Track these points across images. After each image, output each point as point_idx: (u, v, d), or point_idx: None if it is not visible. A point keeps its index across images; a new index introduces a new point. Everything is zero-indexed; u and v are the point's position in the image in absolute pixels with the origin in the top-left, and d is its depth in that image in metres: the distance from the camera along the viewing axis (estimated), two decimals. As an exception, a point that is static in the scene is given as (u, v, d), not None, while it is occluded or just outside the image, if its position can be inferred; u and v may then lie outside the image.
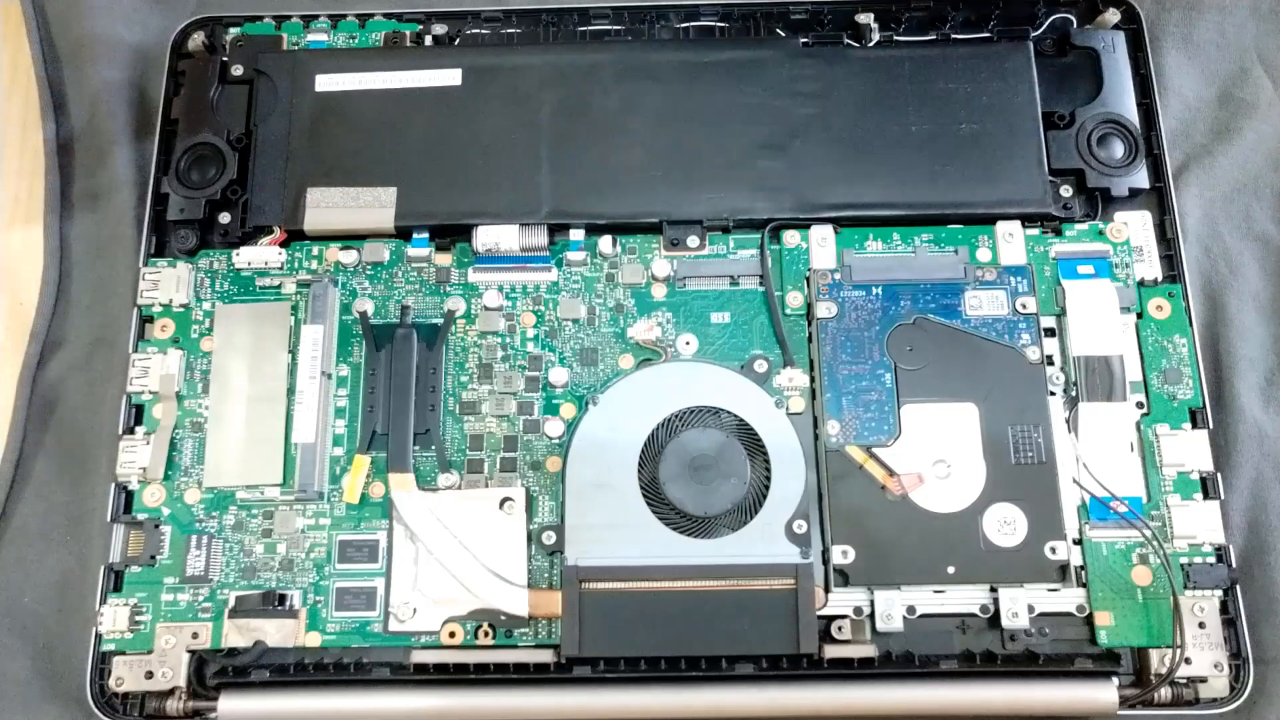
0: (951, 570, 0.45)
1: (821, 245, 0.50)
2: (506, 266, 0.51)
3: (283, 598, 0.47)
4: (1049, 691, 0.44)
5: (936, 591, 0.46)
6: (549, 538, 0.46)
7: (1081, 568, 0.46)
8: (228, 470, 0.48)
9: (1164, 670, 0.44)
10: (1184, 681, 0.45)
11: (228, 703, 0.45)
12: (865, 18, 0.54)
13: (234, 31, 0.55)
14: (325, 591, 0.47)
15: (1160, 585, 0.45)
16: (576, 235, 0.51)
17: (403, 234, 0.51)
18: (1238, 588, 0.46)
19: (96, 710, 0.46)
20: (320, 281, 0.50)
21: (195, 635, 0.46)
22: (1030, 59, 0.52)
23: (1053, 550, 0.45)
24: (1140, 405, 0.48)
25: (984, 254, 0.50)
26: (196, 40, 0.55)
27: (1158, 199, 0.51)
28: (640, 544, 0.46)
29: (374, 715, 0.45)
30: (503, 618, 0.46)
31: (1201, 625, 0.45)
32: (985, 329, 0.48)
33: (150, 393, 0.49)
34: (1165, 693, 0.45)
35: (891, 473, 0.47)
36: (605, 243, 0.51)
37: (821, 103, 0.52)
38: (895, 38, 0.54)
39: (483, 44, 0.55)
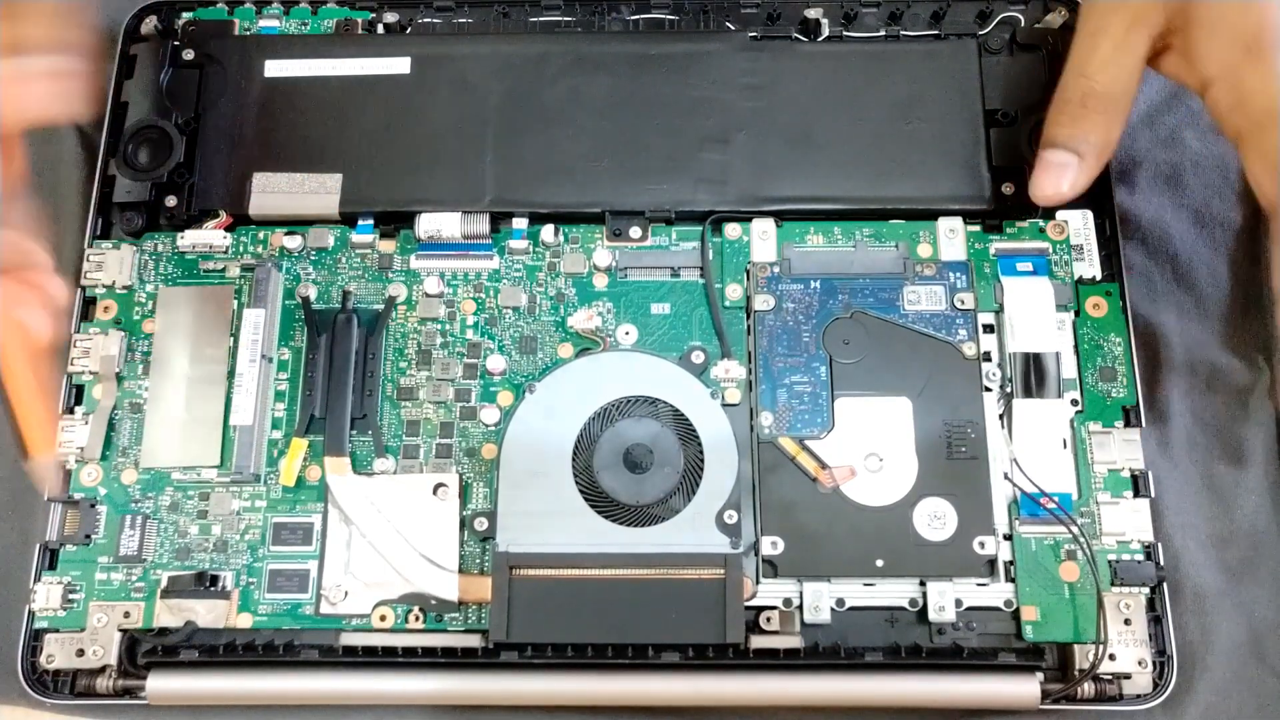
0: (880, 564, 0.46)
1: (763, 238, 0.50)
2: (448, 254, 0.51)
3: (215, 579, 0.47)
4: (973, 685, 0.44)
5: (866, 585, 0.46)
6: (481, 524, 0.47)
7: (1010, 563, 0.46)
8: (165, 451, 0.48)
9: (1086, 665, 0.44)
10: (1108, 678, 0.45)
11: (156, 681, 0.45)
12: (815, 12, 0.54)
13: (186, 16, 0.55)
14: (258, 573, 0.47)
15: (1087, 581, 0.46)
16: (519, 224, 0.51)
17: (348, 220, 0.51)
18: (1165, 585, 0.46)
19: (27, 687, 0.46)
20: (264, 266, 0.50)
21: (127, 614, 0.46)
22: (974, 57, 0.52)
23: (981, 545, 0.46)
24: (1075, 403, 0.48)
25: (925, 249, 0.50)
26: (149, 24, 0.55)
27: (1099, 198, 0.51)
28: (572, 531, 0.46)
29: (302, 697, 0.45)
30: (433, 602, 0.46)
31: (1127, 622, 0.45)
32: (922, 324, 0.49)
33: (90, 373, 0.49)
34: (1088, 688, 0.45)
35: (823, 465, 0.47)
36: (548, 232, 0.51)
37: (768, 96, 0.52)
38: (845, 34, 0.54)
39: (434, 33, 0.55)
